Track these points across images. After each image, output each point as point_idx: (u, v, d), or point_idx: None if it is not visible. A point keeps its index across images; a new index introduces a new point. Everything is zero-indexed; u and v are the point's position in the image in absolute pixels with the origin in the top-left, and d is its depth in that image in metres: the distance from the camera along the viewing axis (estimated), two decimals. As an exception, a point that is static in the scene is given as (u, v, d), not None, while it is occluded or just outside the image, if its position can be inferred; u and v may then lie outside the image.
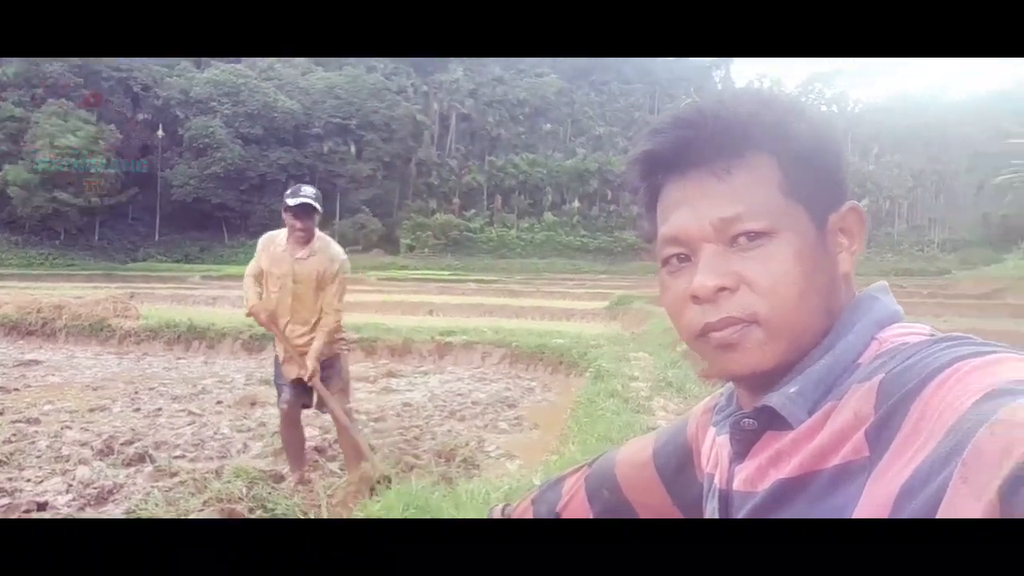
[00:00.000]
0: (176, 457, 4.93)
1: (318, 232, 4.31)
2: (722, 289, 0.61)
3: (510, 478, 3.76)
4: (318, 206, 4.17)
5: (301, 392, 4.44)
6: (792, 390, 0.59)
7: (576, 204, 79.05)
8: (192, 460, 4.95)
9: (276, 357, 4.52)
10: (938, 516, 0.42)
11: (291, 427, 4.51)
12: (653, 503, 0.89)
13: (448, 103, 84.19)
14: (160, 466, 4.63)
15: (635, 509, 0.90)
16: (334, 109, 70.04)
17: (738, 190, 0.62)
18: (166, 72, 64.60)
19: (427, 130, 79.48)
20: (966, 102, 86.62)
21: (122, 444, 5.07)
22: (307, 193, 4.16)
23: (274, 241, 4.33)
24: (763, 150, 0.63)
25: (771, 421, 0.62)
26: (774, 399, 0.60)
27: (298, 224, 4.16)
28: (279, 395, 4.49)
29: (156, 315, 11.85)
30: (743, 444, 0.65)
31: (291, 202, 4.11)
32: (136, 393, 7.21)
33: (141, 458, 4.81)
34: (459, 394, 7.51)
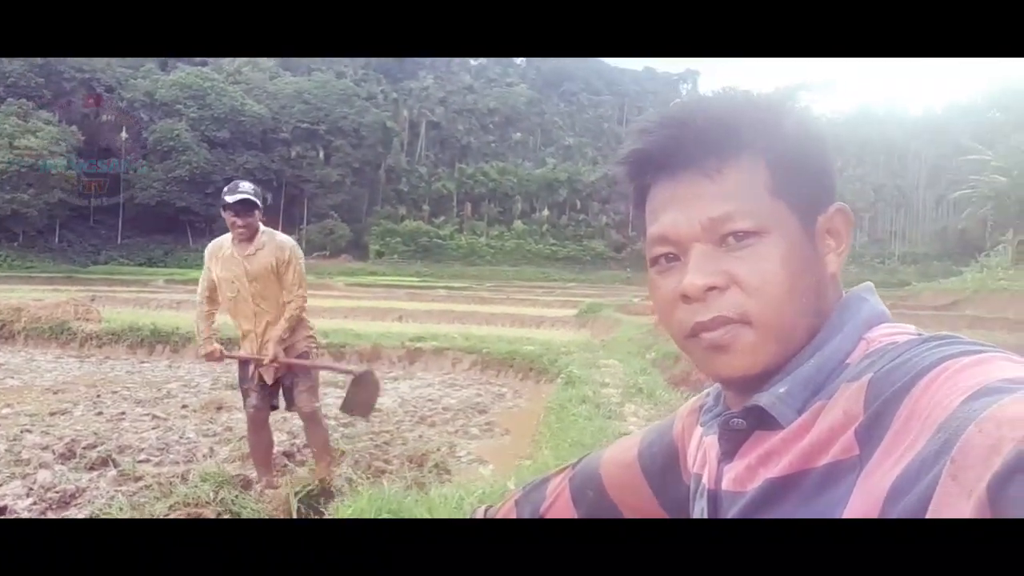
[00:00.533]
0: (140, 461, 4.82)
1: (261, 226, 4.20)
2: (712, 288, 0.61)
3: (483, 482, 3.74)
4: (258, 201, 4.09)
5: (269, 395, 4.37)
6: (781, 390, 0.60)
7: (546, 213, 79.34)
8: (157, 464, 4.85)
9: (240, 359, 4.43)
10: (928, 514, 0.42)
11: (259, 431, 4.43)
12: (638, 504, 0.88)
13: (418, 110, 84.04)
14: (124, 470, 4.53)
15: (620, 510, 0.90)
16: (302, 114, 69.52)
17: (727, 189, 0.62)
18: (130, 74, 63.56)
19: (397, 137, 79.24)
20: (923, 118, 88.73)
21: (84, 448, 4.96)
22: (245, 189, 4.06)
23: (220, 247, 4.24)
24: (750, 149, 0.62)
25: (760, 421, 0.62)
26: (763, 399, 0.60)
27: (239, 221, 4.05)
28: (245, 399, 4.41)
29: (119, 318, 11.62)
30: (732, 444, 0.65)
31: (229, 199, 4.00)
32: (98, 397, 7.05)
33: (104, 462, 4.71)
34: (429, 400, 7.47)
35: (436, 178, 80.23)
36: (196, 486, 4.23)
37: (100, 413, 6.30)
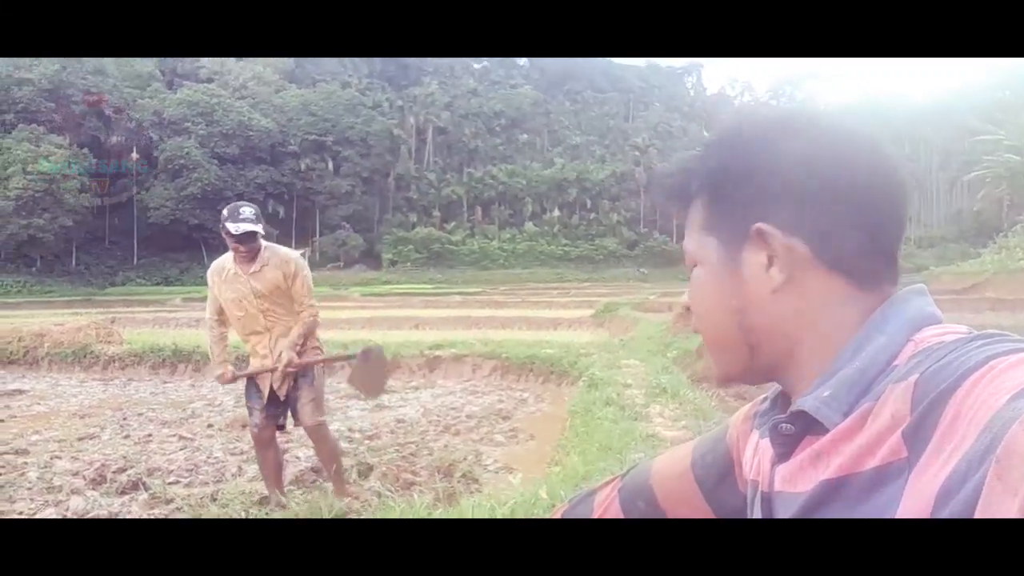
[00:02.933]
0: (170, 483, 4.85)
1: (263, 243, 4.20)
2: (687, 308, 0.75)
3: (514, 491, 3.73)
4: (260, 229, 4.09)
5: (274, 413, 4.33)
6: (826, 393, 0.60)
7: (556, 213, 79.27)
8: (187, 486, 4.88)
9: (248, 377, 4.39)
10: (976, 514, 0.42)
11: (266, 449, 4.37)
12: (691, 514, 0.88)
13: (424, 116, 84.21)
14: (155, 493, 4.55)
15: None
16: (310, 126, 69.92)
17: (686, 227, 0.73)
18: (138, 94, 64.15)
19: (404, 144, 79.47)
20: (928, 103, 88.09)
21: (114, 472, 4.99)
22: (247, 216, 4.04)
23: (223, 268, 4.21)
24: (697, 194, 0.72)
25: (808, 425, 0.62)
26: (808, 403, 0.61)
27: (242, 248, 4.06)
28: (251, 416, 4.36)
29: (139, 339, 11.71)
30: (783, 448, 0.65)
31: (233, 229, 4.00)
32: (124, 419, 7.10)
33: (135, 486, 4.73)
34: (452, 408, 7.47)
35: (445, 184, 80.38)
36: (227, 505, 4.26)
37: (127, 436, 6.34)
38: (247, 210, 4.10)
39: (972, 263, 27.86)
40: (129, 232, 60.73)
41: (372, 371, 4.45)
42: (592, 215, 79.11)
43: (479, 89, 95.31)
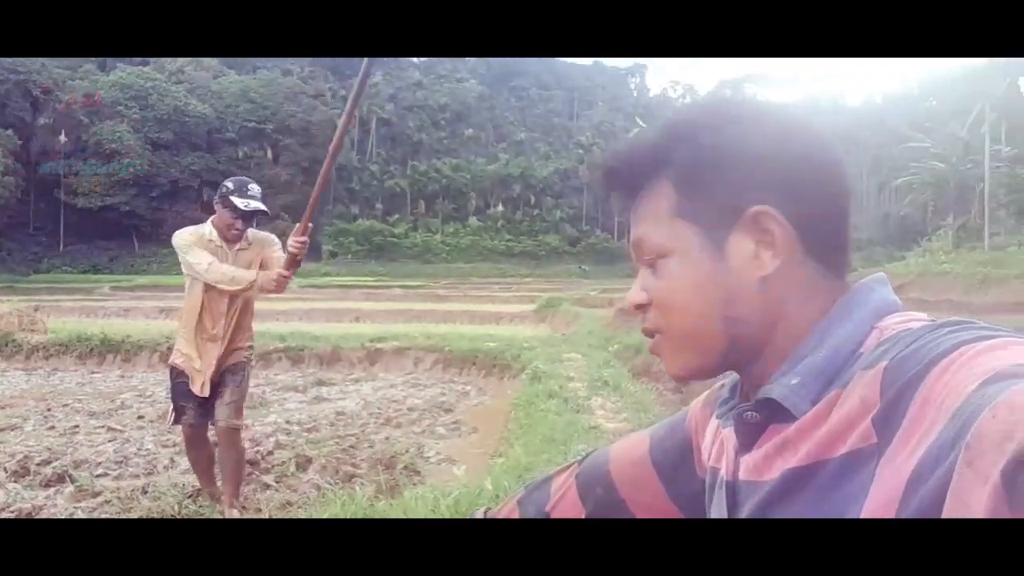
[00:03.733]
0: (98, 476, 4.66)
1: None
2: (639, 305, 0.68)
3: (458, 483, 3.71)
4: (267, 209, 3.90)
5: (208, 409, 4.02)
6: (794, 381, 0.59)
7: (500, 208, 79.44)
8: (116, 478, 4.69)
9: (174, 370, 4.03)
10: (947, 501, 0.42)
11: (199, 447, 4.09)
12: (649, 500, 0.87)
13: (367, 108, 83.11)
14: (82, 486, 4.37)
15: (629, 507, 0.89)
16: (249, 113, 68.27)
17: (641, 216, 0.69)
18: (68, 75, 61.57)
19: (347, 135, 78.31)
20: (863, 108, 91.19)
21: (38, 464, 4.76)
22: (255, 194, 3.82)
23: (202, 236, 3.88)
24: (659, 175, 0.67)
25: (774, 413, 0.61)
26: (775, 391, 0.60)
27: (240, 224, 3.82)
28: (179, 414, 4.00)
29: (65, 328, 11.23)
30: (748, 436, 0.65)
31: (242, 205, 3.74)
32: (49, 410, 6.80)
33: (60, 478, 4.53)
34: (394, 401, 7.39)
35: (388, 176, 79.62)
36: (159, 498, 4.11)
37: (52, 427, 6.07)
38: (255, 187, 3.87)
39: (897, 265, 28.99)
40: (56, 218, 58.31)
41: None
42: (535, 211, 79.54)
43: (424, 82, 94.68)
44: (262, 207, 3.84)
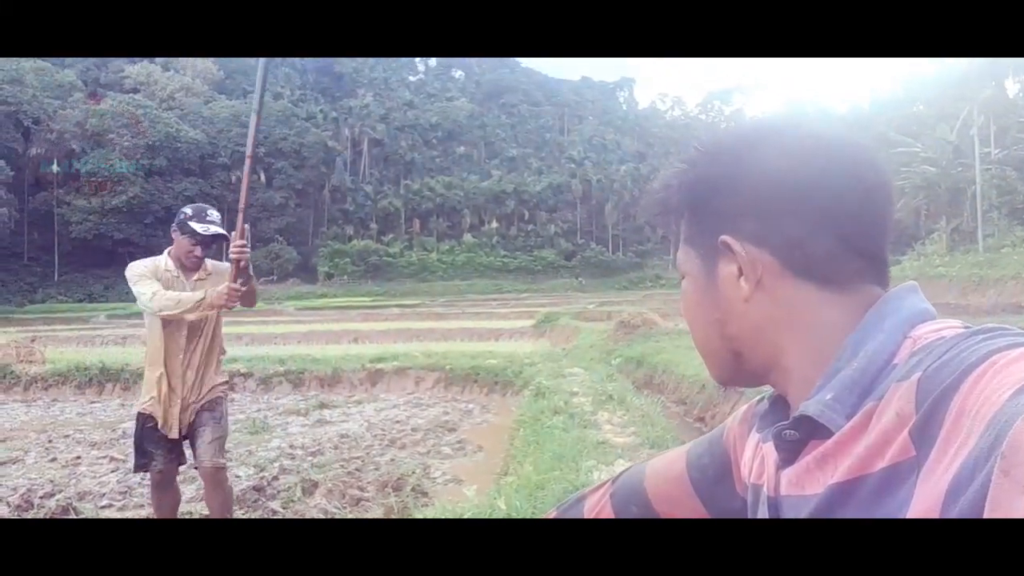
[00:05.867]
0: (103, 507, 4.63)
1: None
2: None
3: (468, 504, 3.67)
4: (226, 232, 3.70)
5: (176, 453, 3.80)
6: (828, 397, 0.59)
7: (494, 225, 79.56)
8: (120, 509, 4.66)
9: (140, 416, 3.75)
10: (985, 511, 0.42)
11: (165, 490, 3.85)
12: (688, 517, 0.86)
13: (359, 129, 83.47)
14: (87, 519, 4.32)
15: None
16: (241, 137, 68.10)
17: (679, 240, 0.75)
18: (59, 105, 61.66)
19: (339, 156, 78.58)
20: (850, 114, 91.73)
21: (41, 497, 4.72)
22: (215, 219, 3.70)
23: (158, 267, 3.71)
24: (680, 209, 0.73)
25: (813, 429, 0.61)
26: (811, 407, 0.59)
27: (199, 251, 3.68)
28: (149, 462, 3.72)
29: (63, 358, 11.19)
30: (788, 453, 0.64)
31: (201, 230, 3.62)
32: (50, 442, 6.75)
33: (64, 511, 4.49)
34: (397, 421, 7.35)
35: (382, 196, 79.72)
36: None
37: (54, 459, 6.02)
38: (214, 212, 3.75)
39: (893, 270, 28.99)
40: (49, 248, 58.20)
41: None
42: (530, 226, 79.66)
43: (415, 101, 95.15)
44: (222, 231, 3.69)
